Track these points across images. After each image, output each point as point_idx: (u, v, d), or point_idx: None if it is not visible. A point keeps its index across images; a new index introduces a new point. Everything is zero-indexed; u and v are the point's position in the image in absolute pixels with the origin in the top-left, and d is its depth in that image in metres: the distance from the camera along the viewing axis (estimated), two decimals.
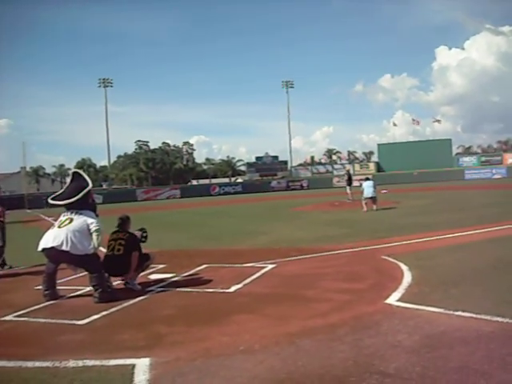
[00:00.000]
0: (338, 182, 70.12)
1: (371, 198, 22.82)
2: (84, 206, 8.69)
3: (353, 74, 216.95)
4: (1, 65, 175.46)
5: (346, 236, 14.31)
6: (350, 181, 31.46)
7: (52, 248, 8.18)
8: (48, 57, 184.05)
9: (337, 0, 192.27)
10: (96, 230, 8.34)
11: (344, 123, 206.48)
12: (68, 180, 9.37)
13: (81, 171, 9.40)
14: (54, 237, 8.26)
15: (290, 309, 6.80)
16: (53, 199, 8.88)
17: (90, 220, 8.45)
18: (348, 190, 30.63)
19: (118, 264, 8.58)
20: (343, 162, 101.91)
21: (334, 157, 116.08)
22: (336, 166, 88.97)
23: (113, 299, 7.93)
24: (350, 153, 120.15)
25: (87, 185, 8.86)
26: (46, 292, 8.31)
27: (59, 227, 8.38)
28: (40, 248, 8.38)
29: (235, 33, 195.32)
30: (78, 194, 8.63)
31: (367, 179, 24.08)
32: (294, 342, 5.41)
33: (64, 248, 8.09)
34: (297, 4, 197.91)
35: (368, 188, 22.95)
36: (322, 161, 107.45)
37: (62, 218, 8.58)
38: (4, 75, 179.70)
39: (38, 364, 5.28)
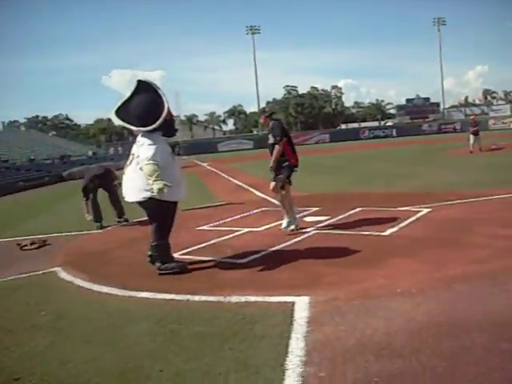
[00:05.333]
0: (495, 124, 66.78)
1: None
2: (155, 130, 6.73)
3: None
4: (153, 19, 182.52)
5: (505, 181, 13.56)
6: (476, 130, 26.28)
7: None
8: (196, 7, 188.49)
9: None
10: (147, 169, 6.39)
11: (500, 61, 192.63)
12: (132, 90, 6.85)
13: (153, 83, 6.86)
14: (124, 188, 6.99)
15: (447, 253, 6.64)
16: (118, 113, 6.83)
17: (146, 153, 6.50)
18: (471, 141, 26.15)
19: None
20: (500, 103, 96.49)
21: (490, 98, 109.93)
22: (492, 108, 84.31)
23: (174, 272, 6.83)
24: (506, 93, 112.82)
25: (164, 107, 6.65)
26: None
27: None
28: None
29: None
30: (153, 122, 6.56)
31: None
32: (451, 286, 5.32)
33: (127, 198, 7.00)
34: None
35: None
36: (477, 102, 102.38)
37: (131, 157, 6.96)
38: (155, 28, 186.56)
39: (203, 298, 5.65)
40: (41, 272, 7.89)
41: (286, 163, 8.72)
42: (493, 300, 4.90)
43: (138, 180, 6.58)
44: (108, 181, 11.99)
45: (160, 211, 6.77)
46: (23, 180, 36.40)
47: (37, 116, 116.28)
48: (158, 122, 6.56)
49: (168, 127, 6.90)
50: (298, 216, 9.17)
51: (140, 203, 6.80)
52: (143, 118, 6.62)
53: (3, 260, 9.26)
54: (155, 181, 6.22)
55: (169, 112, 6.71)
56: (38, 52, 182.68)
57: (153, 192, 6.29)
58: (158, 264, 6.90)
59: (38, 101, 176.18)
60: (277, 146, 8.57)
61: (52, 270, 7.95)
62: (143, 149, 6.59)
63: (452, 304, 4.86)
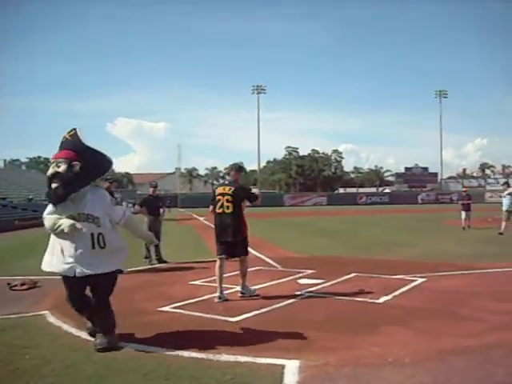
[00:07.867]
0: (491, 197, 67.33)
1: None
2: None
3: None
4: (159, 70, 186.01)
5: (499, 255, 13.65)
6: (468, 204, 24.18)
7: None
8: (204, 62, 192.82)
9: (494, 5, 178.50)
10: None
11: (499, 135, 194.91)
12: None
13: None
14: None
15: (441, 325, 6.59)
16: None
17: None
18: (463, 216, 23.86)
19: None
20: (497, 176, 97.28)
21: (488, 171, 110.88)
22: (489, 181, 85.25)
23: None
24: (504, 167, 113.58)
25: None
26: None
27: None
28: None
29: (386, 38, 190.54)
30: None
31: (508, 185, 20.34)
32: (445, 359, 5.24)
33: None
34: (450, 9, 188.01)
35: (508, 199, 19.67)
36: (475, 174, 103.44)
37: None
38: (163, 80, 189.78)
39: (193, 354, 5.54)
40: (29, 314, 7.78)
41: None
42: (486, 376, 4.83)
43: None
44: None
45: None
46: (19, 219, 36.28)
47: (39, 157, 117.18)
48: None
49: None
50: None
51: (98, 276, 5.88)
52: None
53: None
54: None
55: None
56: (43, 93, 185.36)
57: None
58: (101, 337, 5.93)
59: (42, 142, 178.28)
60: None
61: (40, 313, 7.84)
62: None
63: (446, 377, 4.77)
